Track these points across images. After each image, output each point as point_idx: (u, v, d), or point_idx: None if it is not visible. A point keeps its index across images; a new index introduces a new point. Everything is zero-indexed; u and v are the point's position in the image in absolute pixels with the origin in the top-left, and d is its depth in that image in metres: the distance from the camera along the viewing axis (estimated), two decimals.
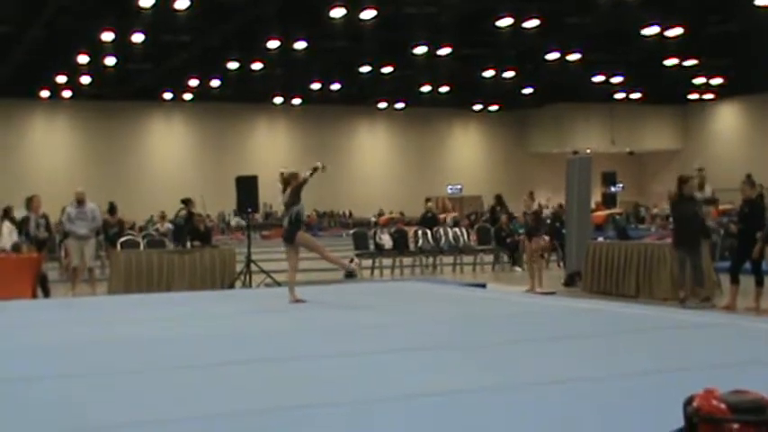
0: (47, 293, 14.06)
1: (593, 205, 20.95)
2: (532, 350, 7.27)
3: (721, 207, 14.43)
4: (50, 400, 5.44)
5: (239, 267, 15.73)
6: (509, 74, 35.06)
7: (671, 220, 18.56)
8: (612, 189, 38.45)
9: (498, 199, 22.15)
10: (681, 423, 2.94)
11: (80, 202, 14.67)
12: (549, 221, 21.85)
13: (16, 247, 14.26)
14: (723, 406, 2.82)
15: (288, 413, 5.02)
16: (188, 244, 16.80)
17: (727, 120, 44.90)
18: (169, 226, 21.27)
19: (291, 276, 11.38)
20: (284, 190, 11.21)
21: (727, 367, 6.19)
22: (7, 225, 15.16)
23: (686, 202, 12.31)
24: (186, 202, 18.11)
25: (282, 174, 11.38)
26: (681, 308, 11.30)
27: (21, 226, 15.10)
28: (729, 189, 18.66)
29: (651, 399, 5.03)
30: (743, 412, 2.80)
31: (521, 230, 18.16)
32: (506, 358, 6.87)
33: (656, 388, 5.37)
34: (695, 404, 2.89)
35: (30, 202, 14.99)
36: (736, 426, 2.78)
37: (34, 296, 13.47)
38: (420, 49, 29.58)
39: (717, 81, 38.71)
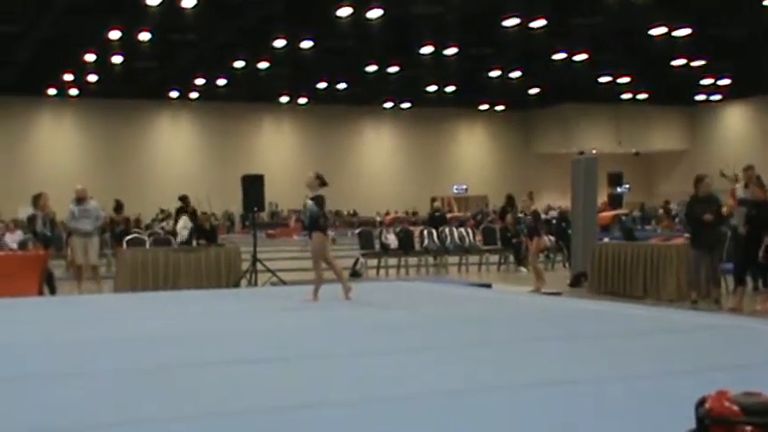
0: (53, 291, 14.06)
1: (599, 205, 20.84)
2: (537, 350, 7.24)
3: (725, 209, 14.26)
4: (51, 398, 5.43)
5: (245, 266, 15.73)
6: (515, 74, 35.06)
7: (677, 220, 18.51)
8: (619, 190, 38.36)
9: (509, 199, 21.96)
10: (692, 425, 2.92)
11: (81, 199, 14.57)
12: (554, 222, 21.79)
13: (23, 245, 14.28)
14: (735, 408, 2.80)
15: (292, 412, 5.00)
16: (193, 242, 16.79)
17: (735, 121, 44.81)
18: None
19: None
20: None
21: (738, 369, 6.15)
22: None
23: (702, 202, 12.20)
24: (183, 199, 18.03)
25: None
26: (691, 309, 11.24)
27: (28, 224, 15.13)
28: None
29: (660, 401, 5.00)
30: (755, 414, 2.78)
31: (526, 231, 18.09)
32: (511, 358, 6.84)
33: (665, 390, 5.34)
34: (707, 406, 2.87)
35: (36, 200, 14.96)
36: (748, 428, 2.77)
37: (40, 294, 13.48)
38: (426, 49, 29.61)
39: (724, 82, 38.65)
